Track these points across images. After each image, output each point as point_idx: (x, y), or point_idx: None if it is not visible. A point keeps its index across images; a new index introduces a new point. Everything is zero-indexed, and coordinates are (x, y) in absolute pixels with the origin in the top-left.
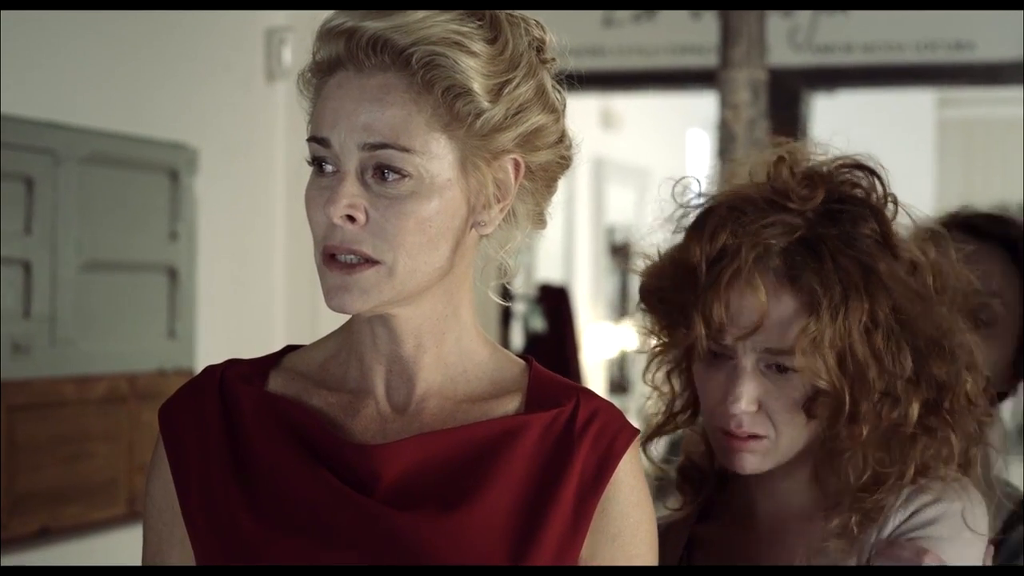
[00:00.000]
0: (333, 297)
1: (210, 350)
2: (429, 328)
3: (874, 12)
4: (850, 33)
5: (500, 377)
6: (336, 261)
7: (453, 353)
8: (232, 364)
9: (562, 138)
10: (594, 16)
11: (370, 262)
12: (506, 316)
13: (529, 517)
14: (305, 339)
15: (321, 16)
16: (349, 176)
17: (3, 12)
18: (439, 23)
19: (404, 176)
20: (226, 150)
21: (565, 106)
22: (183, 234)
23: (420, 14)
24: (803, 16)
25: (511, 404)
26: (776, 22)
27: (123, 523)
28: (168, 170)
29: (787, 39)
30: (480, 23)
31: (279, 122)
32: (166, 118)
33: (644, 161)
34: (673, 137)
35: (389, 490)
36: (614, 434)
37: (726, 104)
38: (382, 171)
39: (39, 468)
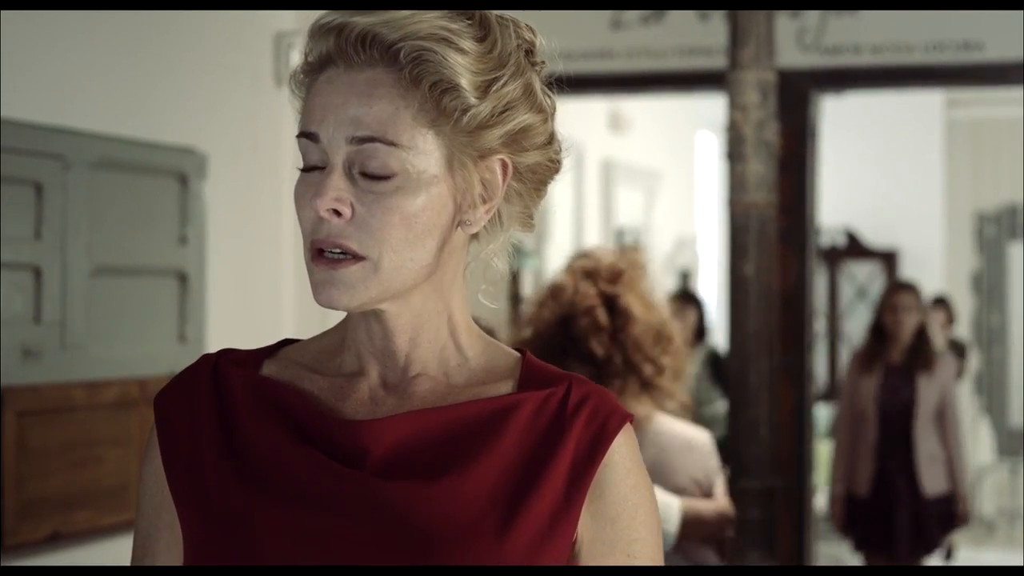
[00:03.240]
0: (320, 293)
1: None
2: (422, 325)
3: (882, 13)
4: (858, 34)
5: (494, 366)
6: (323, 257)
7: (448, 349)
8: (227, 351)
9: (551, 140)
10: (602, 19)
11: (356, 257)
12: (516, 318)
13: (520, 486)
14: None
15: None
16: (336, 170)
17: (13, 19)
18: (428, 19)
19: (390, 175)
20: (235, 154)
21: (555, 110)
22: (192, 238)
23: (410, 11)
24: (811, 17)
25: (504, 387)
26: (784, 23)
27: (134, 528)
28: (177, 174)
29: (795, 40)
30: (469, 22)
31: (287, 126)
32: (175, 123)
33: (653, 163)
34: (682, 139)
35: (378, 463)
36: (607, 415)
37: (735, 105)
38: (368, 171)
39: (49, 473)
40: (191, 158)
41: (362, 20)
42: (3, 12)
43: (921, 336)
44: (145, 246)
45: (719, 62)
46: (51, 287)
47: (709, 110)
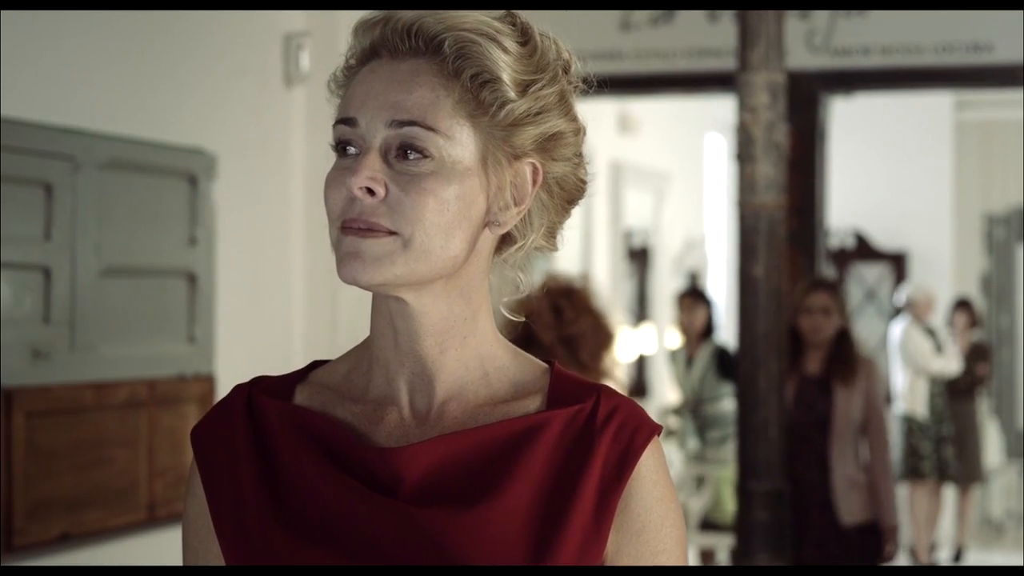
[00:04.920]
0: (345, 265)
1: (229, 355)
2: (449, 328)
3: (891, 16)
4: (868, 35)
5: (521, 380)
6: (352, 229)
7: (473, 357)
8: (259, 380)
9: (580, 158)
10: (612, 20)
11: (387, 232)
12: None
13: (551, 510)
14: (324, 343)
15: (339, 21)
16: (372, 151)
17: (22, 20)
18: (474, 16)
19: (426, 156)
20: (244, 155)
21: (585, 133)
22: (202, 239)
23: (456, 11)
24: (821, 19)
25: (532, 404)
26: (794, 25)
27: (143, 528)
28: (187, 175)
29: (805, 42)
30: (513, 26)
31: (297, 127)
32: (184, 124)
33: (662, 165)
34: (691, 141)
35: (412, 490)
36: (634, 429)
37: (744, 107)
38: (405, 150)
39: (59, 474)
40: (200, 159)
41: (408, 12)
42: (12, 13)
43: (842, 342)
44: (154, 247)
45: (728, 63)
46: (60, 288)
47: (718, 111)
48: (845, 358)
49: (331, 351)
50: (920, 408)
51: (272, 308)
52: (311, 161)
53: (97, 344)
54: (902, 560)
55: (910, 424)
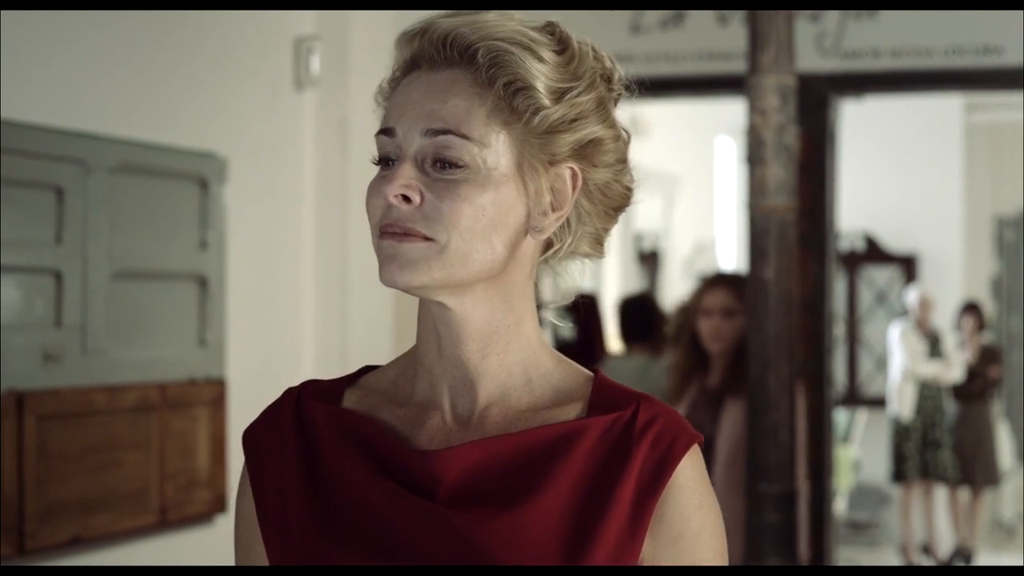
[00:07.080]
0: (384, 268)
1: (240, 358)
2: (491, 334)
3: (902, 17)
4: (878, 38)
5: (564, 387)
6: (390, 233)
7: (517, 363)
8: (309, 383)
9: (624, 164)
10: (622, 23)
11: (423, 238)
12: None
13: (586, 515)
14: (334, 346)
15: (349, 24)
16: (407, 160)
17: (34, 24)
18: (510, 25)
19: (461, 166)
20: (255, 159)
21: (629, 139)
22: (213, 243)
23: (493, 15)
24: (831, 21)
25: (573, 411)
26: (804, 27)
27: (154, 532)
28: (197, 179)
29: (815, 44)
30: (551, 36)
31: (307, 130)
32: (195, 128)
33: (672, 168)
34: (701, 144)
35: (450, 493)
36: (673, 438)
37: (755, 110)
38: (442, 162)
39: (69, 477)
40: (211, 162)
41: (445, 22)
42: (22, 16)
43: (745, 351)
44: (165, 250)
45: (739, 66)
46: (72, 291)
47: (728, 114)
48: (744, 370)
49: (342, 354)
50: (906, 411)
51: (283, 311)
52: (322, 164)
53: (108, 348)
54: (894, 561)
55: (896, 426)
